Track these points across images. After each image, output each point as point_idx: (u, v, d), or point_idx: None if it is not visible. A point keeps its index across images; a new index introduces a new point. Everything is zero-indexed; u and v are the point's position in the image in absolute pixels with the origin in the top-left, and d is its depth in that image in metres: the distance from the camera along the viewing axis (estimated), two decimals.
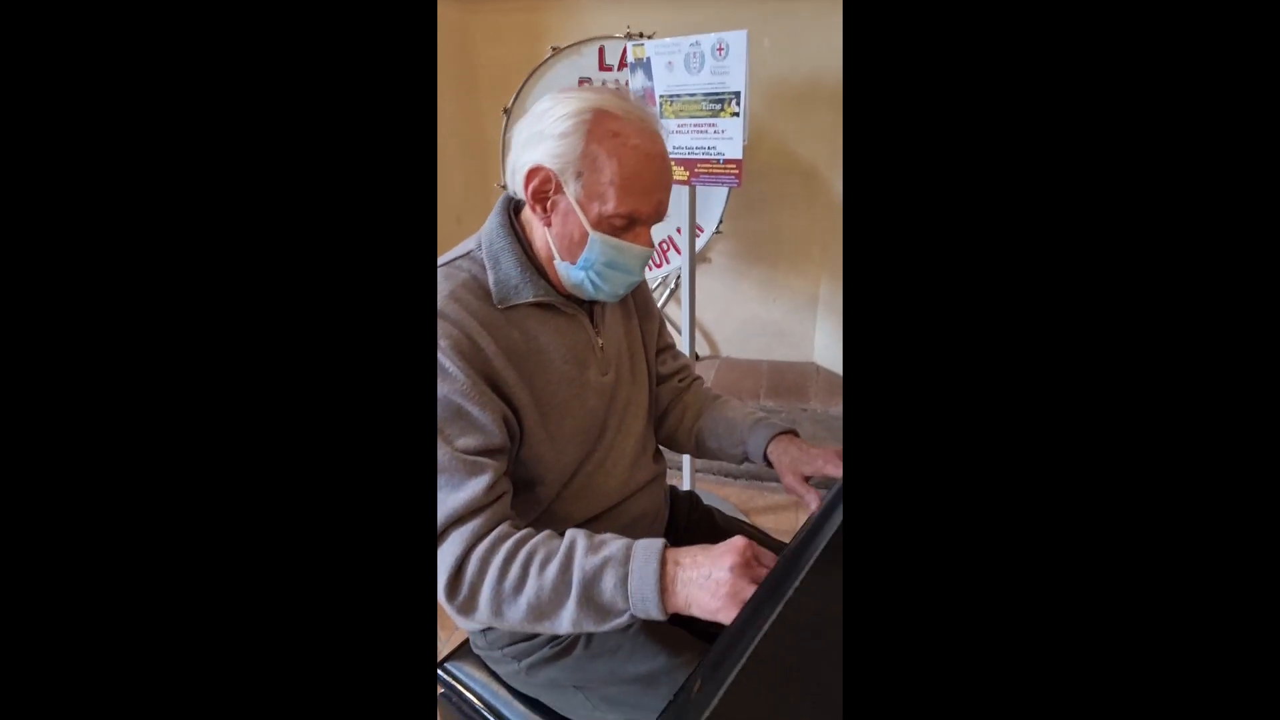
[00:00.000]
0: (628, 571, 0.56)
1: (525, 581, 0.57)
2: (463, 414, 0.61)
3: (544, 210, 0.67)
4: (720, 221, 1.66)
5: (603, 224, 0.65)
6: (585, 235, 0.66)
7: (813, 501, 0.74)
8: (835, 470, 0.75)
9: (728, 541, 0.58)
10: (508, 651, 0.77)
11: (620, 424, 0.77)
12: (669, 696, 0.69)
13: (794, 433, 0.83)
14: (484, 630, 0.78)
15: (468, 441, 0.61)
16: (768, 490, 1.78)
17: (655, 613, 0.55)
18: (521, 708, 0.78)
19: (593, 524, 0.74)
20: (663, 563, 0.56)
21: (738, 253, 2.00)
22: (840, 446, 0.79)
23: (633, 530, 0.77)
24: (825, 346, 2.11)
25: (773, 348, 2.13)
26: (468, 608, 0.59)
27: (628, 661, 0.71)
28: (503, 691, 0.80)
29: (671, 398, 0.91)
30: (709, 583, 0.55)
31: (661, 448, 0.89)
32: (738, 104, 1.12)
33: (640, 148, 0.64)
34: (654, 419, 0.89)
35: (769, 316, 2.08)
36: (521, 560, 0.58)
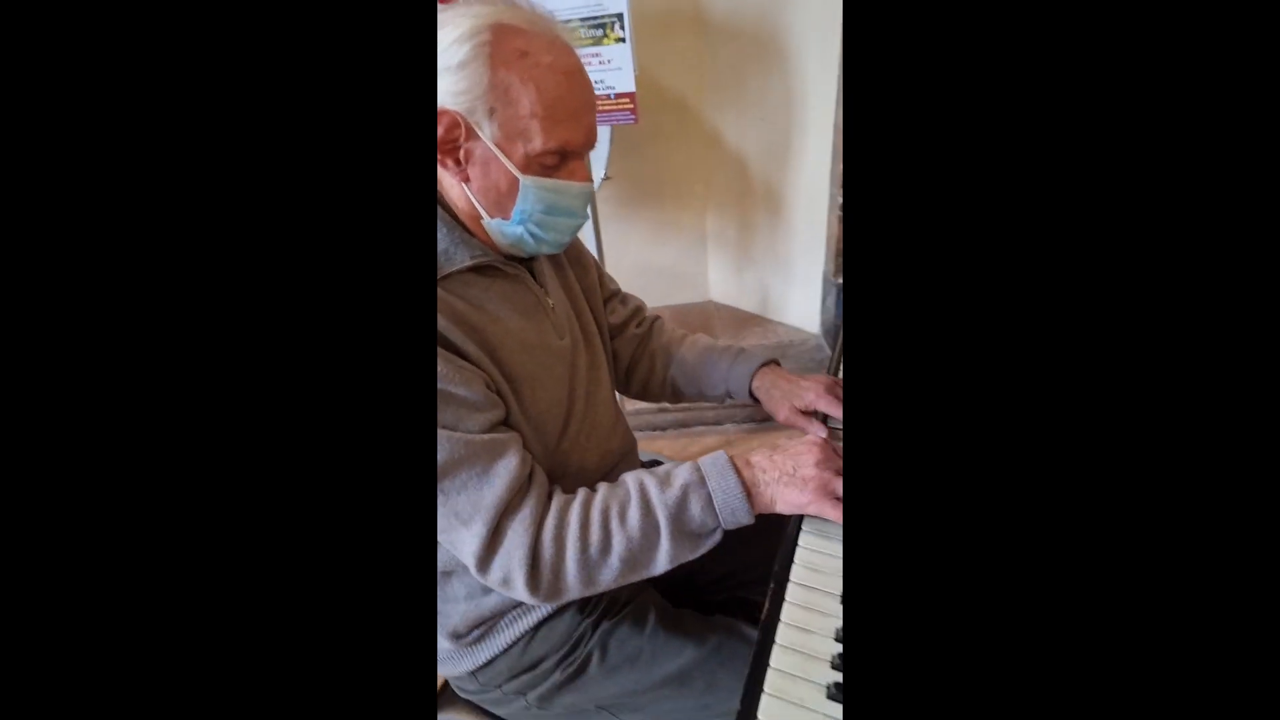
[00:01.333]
0: (708, 491, 0.55)
1: (611, 539, 0.54)
2: (450, 398, 0.52)
3: (457, 163, 0.54)
4: (607, 165, 1.54)
5: (532, 165, 0.54)
6: (514, 183, 0.54)
7: (820, 433, 0.69)
8: (828, 406, 0.70)
9: (803, 439, 0.59)
10: (509, 688, 0.66)
11: (588, 393, 0.67)
12: (705, 691, 0.63)
13: (775, 362, 0.77)
14: (473, 671, 0.67)
15: (472, 424, 0.53)
16: (699, 435, 1.76)
17: (745, 518, 0.55)
18: None
19: None
20: (738, 470, 0.56)
21: (623, 198, 1.90)
22: (827, 376, 0.75)
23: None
24: (719, 282, 2.10)
25: (671, 292, 2.08)
26: (554, 590, 0.54)
27: (653, 664, 0.64)
28: None
29: (635, 348, 0.82)
30: (794, 479, 0.56)
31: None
32: (622, 27, 1.00)
33: (556, 65, 0.53)
34: (617, 378, 0.80)
35: (663, 261, 2.02)
36: (598, 520, 0.54)
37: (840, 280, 1.69)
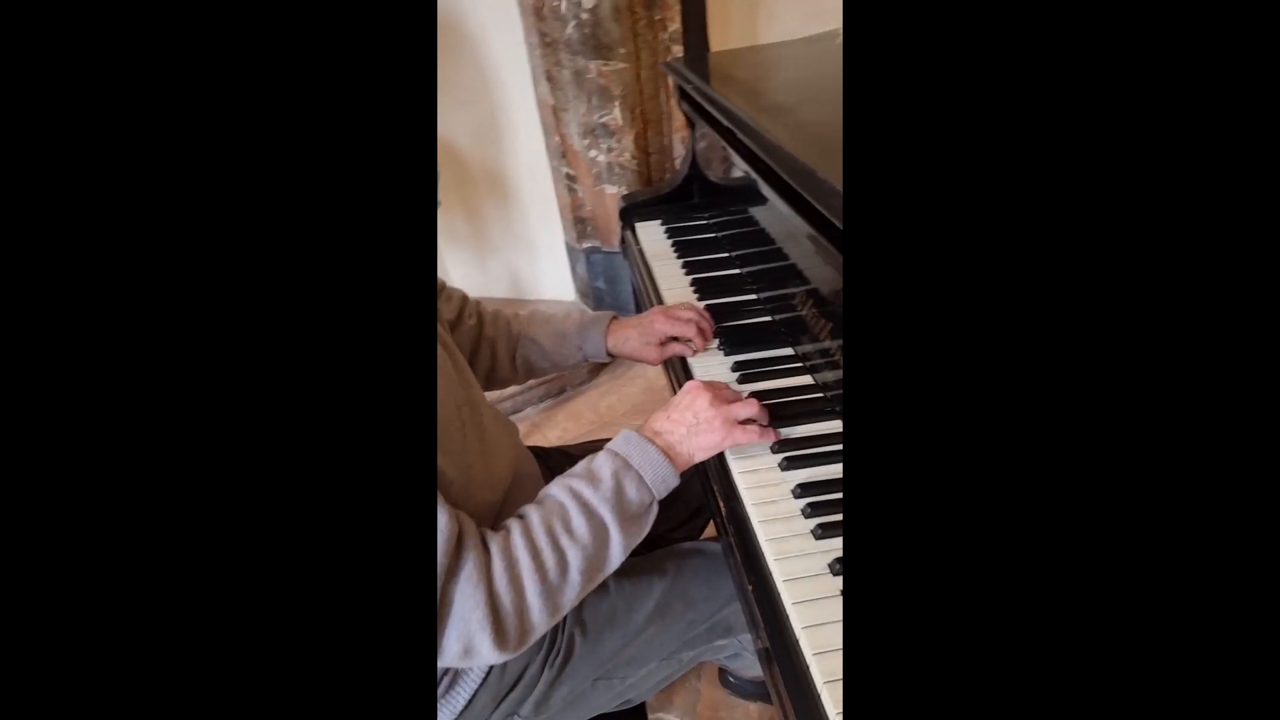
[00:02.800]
0: (635, 470, 0.56)
1: (565, 556, 0.52)
2: None
3: None
4: None
5: None
6: None
7: (687, 352, 0.80)
8: (679, 329, 0.79)
9: (684, 388, 0.62)
10: (500, 714, 0.63)
11: (468, 397, 0.65)
12: (685, 610, 0.68)
13: (615, 316, 0.84)
14: (458, 717, 0.62)
15: None
16: (557, 402, 1.73)
17: (674, 482, 0.58)
18: None
19: (503, 509, 0.65)
20: (651, 441, 0.58)
21: None
22: (653, 309, 0.84)
23: (528, 496, 0.69)
24: (463, 277, 2.05)
25: None
26: (522, 636, 0.51)
27: (630, 613, 0.67)
28: None
29: (472, 341, 0.81)
30: (700, 426, 0.59)
31: None
32: None
33: None
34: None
35: None
36: (546, 543, 0.52)
37: (584, 245, 1.80)
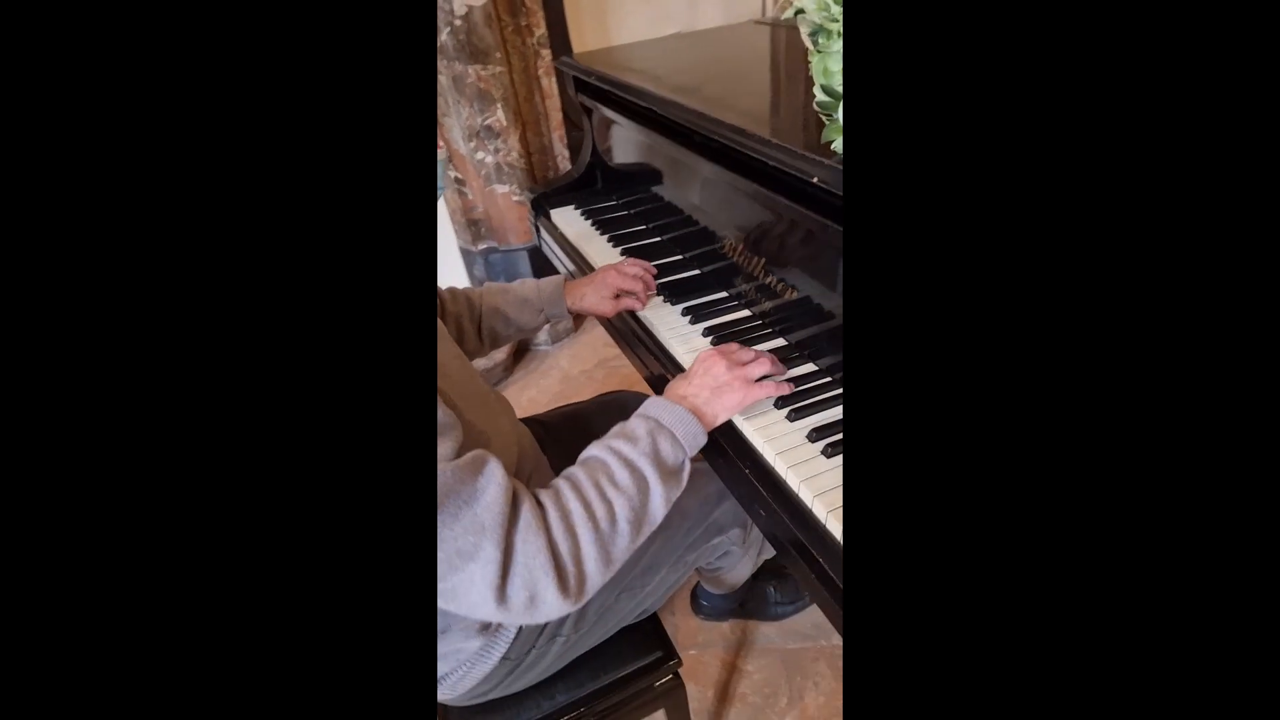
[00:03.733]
0: (668, 429, 0.60)
1: (613, 506, 0.55)
2: None
3: None
4: None
5: None
6: None
7: (638, 306, 0.89)
8: (628, 283, 0.90)
9: (698, 357, 0.67)
10: (551, 628, 0.70)
11: (461, 363, 0.71)
12: (680, 520, 0.79)
13: (567, 277, 0.92)
14: (491, 672, 0.68)
15: (446, 449, 0.51)
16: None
17: (703, 440, 0.62)
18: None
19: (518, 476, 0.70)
20: (679, 403, 0.63)
21: None
22: (608, 264, 0.94)
23: (531, 462, 0.76)
24: None
25: None
26: (580, 586, 0.53)
27: None
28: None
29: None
30: (720, 388, 0.64)
31: None
32: None
33: None
34: None
35: None
36: (594, 494, 0.55)
37: (480, 247, 1.83)
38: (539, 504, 0.53)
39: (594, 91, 1.14)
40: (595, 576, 0.53)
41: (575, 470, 0.57)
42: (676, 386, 0.66)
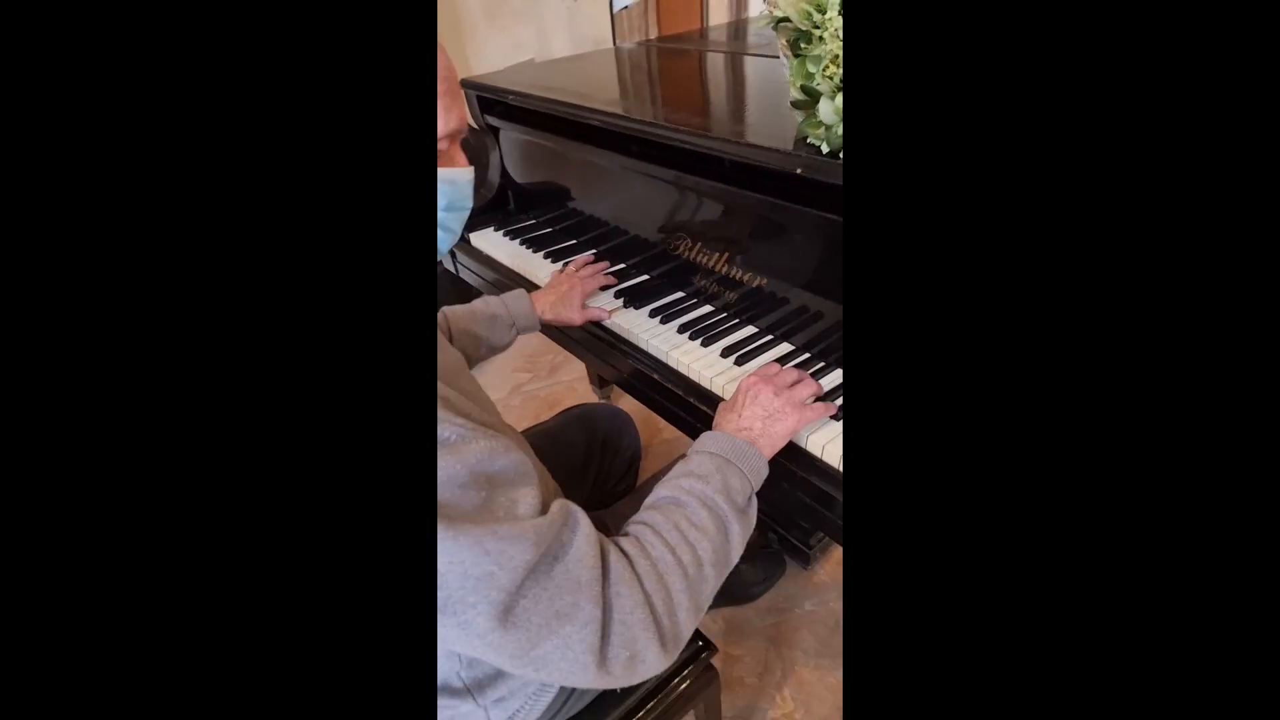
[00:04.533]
0: (735, 464, 0.57)
1: (698, 549, 0.51)
2: (498, 481, 0.44)
3: None
4: None
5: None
6: None
7: (603, 317, 0.90)
8: (590, 284, 0.91)
9: (741, 385, 0.65)
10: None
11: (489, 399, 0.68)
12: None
13: (533, 289, 0.93)
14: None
15: (531, 501, 0.45)
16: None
17: (765, 471, 0.60)
18: None
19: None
20: (738, 436, 0.60)
21: None
22: (560, 277, 0.94)
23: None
24: None
25: None
26: (676, 638, 0.48)
27: None
28: None
29: None
30: (774, 417, 0.62)
31: None
32: None
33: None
34: None
35: None
36: (678, 538, 0.51)
37: None
38: (624, 553, 0.49)
39: (498, 110, 1.14)
40: (686, 627, 0.49)
41: (651, 514, 0.53)
42: (727, 419, 0.63)
